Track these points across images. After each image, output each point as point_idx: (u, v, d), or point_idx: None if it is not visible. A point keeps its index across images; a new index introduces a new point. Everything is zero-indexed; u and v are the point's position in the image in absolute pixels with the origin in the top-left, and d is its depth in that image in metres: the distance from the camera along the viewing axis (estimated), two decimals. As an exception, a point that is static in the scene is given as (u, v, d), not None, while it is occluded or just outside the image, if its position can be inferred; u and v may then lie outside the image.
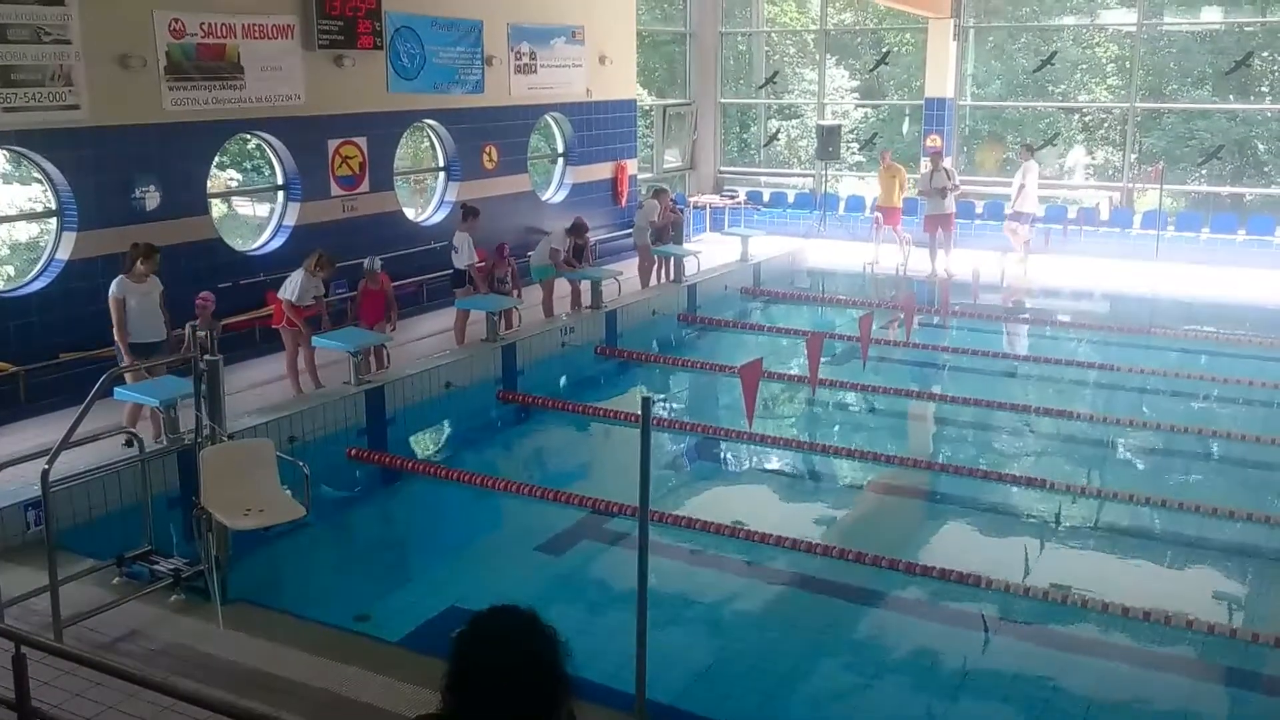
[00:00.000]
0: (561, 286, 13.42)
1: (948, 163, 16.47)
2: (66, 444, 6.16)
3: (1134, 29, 18.86)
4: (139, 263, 8.82)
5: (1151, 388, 11.72)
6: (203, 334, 6.55)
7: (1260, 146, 19.83)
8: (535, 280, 13.29)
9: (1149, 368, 11.99)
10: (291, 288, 10.25)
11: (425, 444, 10.64)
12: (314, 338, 10.28)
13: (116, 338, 8.70)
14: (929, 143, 18.96)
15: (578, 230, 13.42)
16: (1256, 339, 13.10)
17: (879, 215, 17.13)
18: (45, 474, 5.95)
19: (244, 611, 6.36)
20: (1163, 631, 6.60)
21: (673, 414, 11.34)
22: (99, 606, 6.25)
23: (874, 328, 10.68)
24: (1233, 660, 6.45)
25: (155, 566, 6.64)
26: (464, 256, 12.01)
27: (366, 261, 10.97)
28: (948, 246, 16.16)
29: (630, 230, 16.08)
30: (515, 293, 12.62)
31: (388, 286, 11.13)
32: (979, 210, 18.62)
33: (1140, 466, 9.89)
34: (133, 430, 7.58)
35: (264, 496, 6.47)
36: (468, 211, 12.27)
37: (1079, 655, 6.51)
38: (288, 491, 6.95)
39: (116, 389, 8.28)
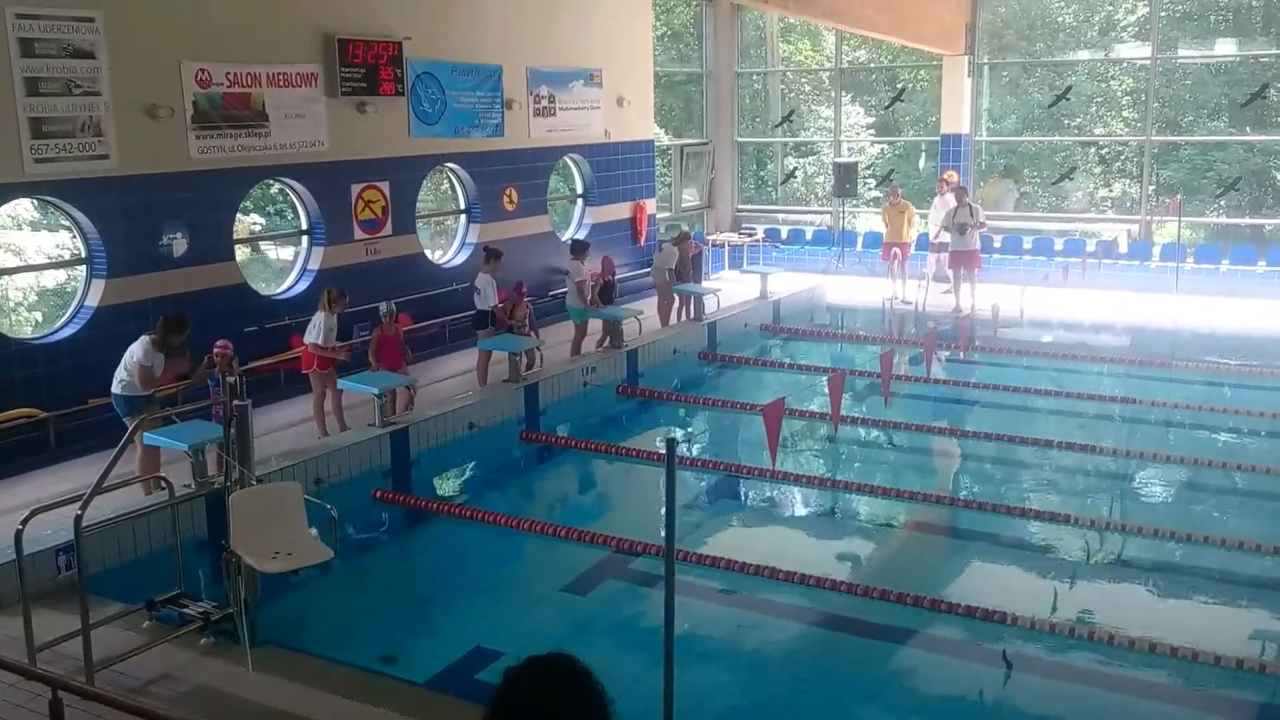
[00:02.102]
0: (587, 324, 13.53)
1: (973, 199, 16.47)
2: (100, 489, 6.25)
3: (1148, 62, 18.95)
4: (172, 338, 8.95)
5: (1174, 421, 11.69)
6: (232, 379, 6.64)
7: (1278, 177, 19.82)
8: (575, 321, 13.39)
9: (1171, 401, 11.95)
10: (316, 331, 10.37)
11: (449, 485, 10.70)
12: (340, 380, 10.39)
13: (145, 390, 8.80)
14: (946, 178, 19.03)
15: (578, 250, 13.49)
16: (1278, 370, 13.04)
17: (897, 251, 17.17)
18: (78, 519, 6.04)
19: (273, 654, 6.41)
20: (1191, 667, 6.56)
21: (695, 452, 11.36)
22: (130, 650, 6.32)
23: (894, 363, 10.69)
24: (1262, 695, 6.41)
25: (185, 610, 6.70)
26: (487, 298, 12.13)
27: (383, 306, 11.06)
28: (972, 283, 16.17)
29: (649, 269, 16.24)
30: (533, 333, 12.72)
31: (400, 330, 11.23)
32: (996, 245, 18.65)
33: (1164, 500, 9.84)
34: (162, 475, 7.66)
35: (292, 539, 6.54)
36: (490, 254, 12.42)
37: (1106, 691, 6.47)
38: (315, 533, 7.02)
39: (146, 434, 8.41)
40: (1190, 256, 17.58)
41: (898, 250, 17.22)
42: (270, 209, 17.15)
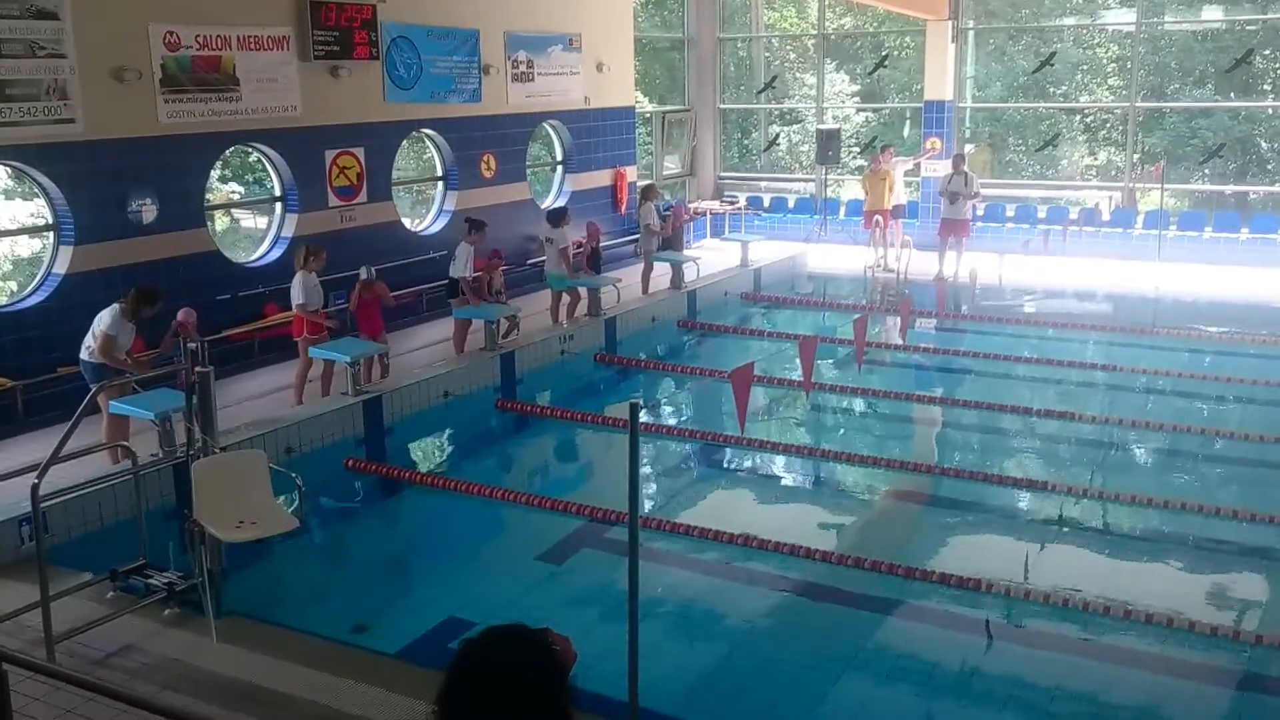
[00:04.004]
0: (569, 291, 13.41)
1: (969, 168, 16.35)
2: (56, 458, 6.13)
3: (1134, 29, 18.80)
4: (143, 308, 8.79)
5: (1155, 388, 11.65)
6: (194, 345, 6.52)
7: (1263, 144, 19.74)
8: (554, 289, 13.26)
9: (1153, 368, 11.92)
10: (299, 292, 10.22)
11: (424, 454, 10.60)
12: (311, 349, 10.24)
13: (110, 360, 8.65)
14: (929, 145, 18.92)
15: (554, 218, 13.31)
16: (1260, 337, 13.02)
17: (879, 219, 17.04)
18: (35, 488, 5.92)
19: (238, 625, 6.33)
20: (1167, 634, 6.54)
21: (672, 420, 11.29)
22: (92, 621, 6.22)
23: (871, 331, 10.63)
24: (1237, 663, 6.39)
25: (149, 580, 6.60)
26: (458, 267, 11.91)
27: (363, 271, 10.91)
28: (959, 251, 16.07)
29: (633, 237, 16.15)
30: (505, 301, 12.58)
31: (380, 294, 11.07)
32: (979, 211, 18.53)
33: (1144, 467, 9.81)
34: (126, 444, 7.54)
35: (256, 509, 6.43)
36: (472, 225, 12.12)
37: (1083, 659, 6.44)
38: (281, 503, 6.92)
39: (113, 402, 8.28)
40: (1173, 224, 17.51)
41: (879, 218, 17.09)
42: (249, 177, 16.93)
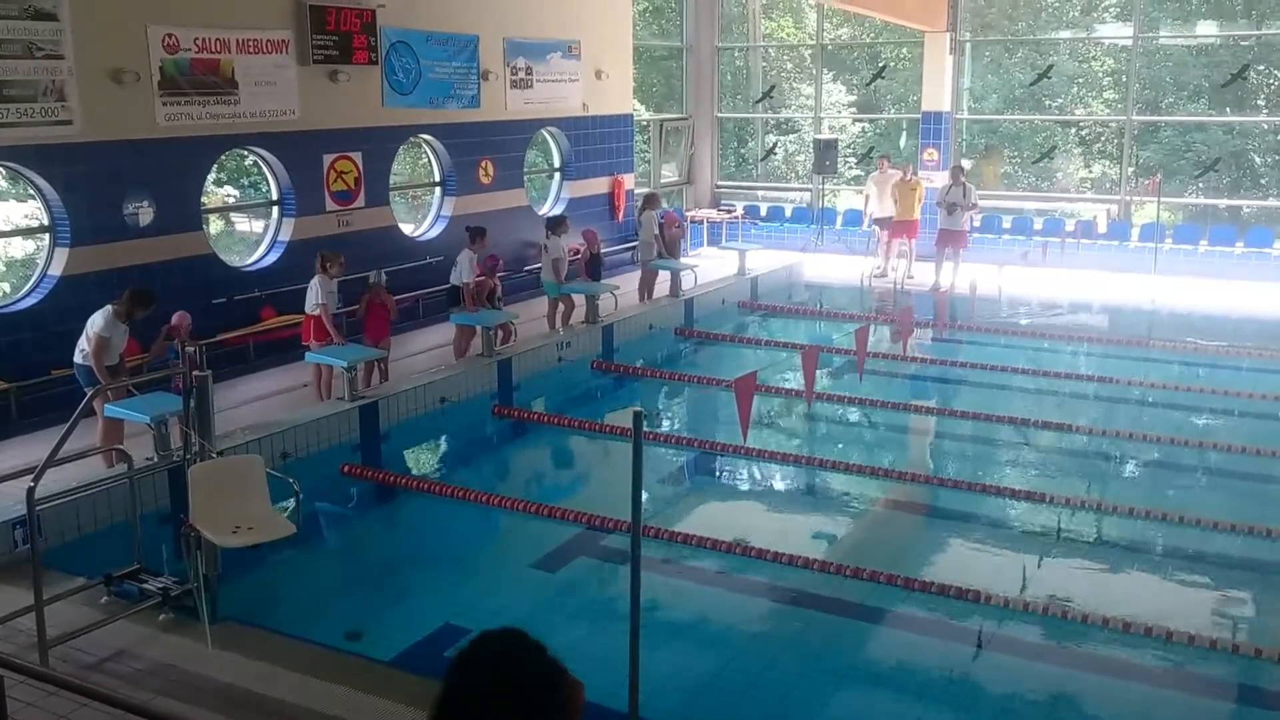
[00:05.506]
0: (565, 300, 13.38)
1: (965, 179, 16.39)
2: (52, 461, 6.08)
3: (1130, 43, 18.87)
4: (136, 311, 8.75)
5: (1150, 401, 11.66)
6: (191, 350, 6.48)
7: (1257, 159, 19.82)
8: (550, 297, 13.25)
9: (1148, 380, 11.93)
10: (316, 295, 10.18)
11: (420, 460, 10.55)
12: (308, 354, 10.21)
13: (97, 368, 8.59)
14: (926, 156, 18.96)
15: (555, 226, 13.31)
16: (1255, 351, 13.04)
17: (879, 231, 17.04)
18: (30, 492, 5.87)
19: (233, 630, 6.29)
20: (1164, 647, 6.52)
21: (669, 429, 11.27)
22: (86, 626, 6.18)
23: (871, 341, 10.63)
24: (1235, 676, 6.37)
25: (144, 585, 6.56)
26: (460, 275, 11.87)
27: (372, 275, 10.90)
28: (956, 262, 16.09)
29: (630, 244, 16.10)
30: (502, 307, 12.56)
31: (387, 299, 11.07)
32: (976, 223, 18.56)
33: (1140, 480, 9.81)
34: (121, 448, 7.49)
35: (253, 514, 6.39)
36: (475, 233, 12.08)
37: (1079, 671, 6.42)
38: (279, 508, 6.88)
39: (108, 405, 8.23)
40: (1169, 237, 17.56)
41: (877, 228, 17.11)
42: (245, 181, 16.88)
